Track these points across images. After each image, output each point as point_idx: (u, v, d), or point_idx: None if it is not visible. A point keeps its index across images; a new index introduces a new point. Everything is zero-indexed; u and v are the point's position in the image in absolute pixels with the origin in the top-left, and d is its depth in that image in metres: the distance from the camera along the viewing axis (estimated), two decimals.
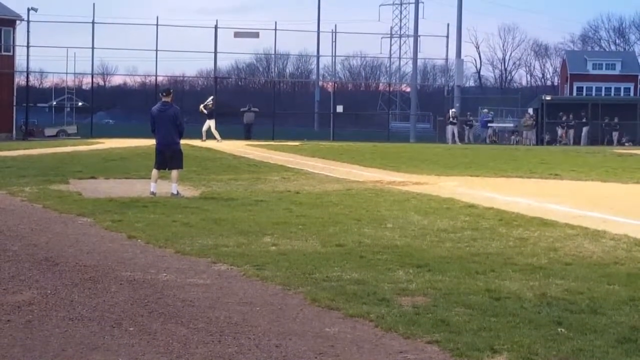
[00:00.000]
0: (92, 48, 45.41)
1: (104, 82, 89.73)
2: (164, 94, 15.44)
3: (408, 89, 67.06)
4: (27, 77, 49.27)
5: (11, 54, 47.46)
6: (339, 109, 50.28)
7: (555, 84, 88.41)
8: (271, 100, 50.48)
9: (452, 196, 14.83)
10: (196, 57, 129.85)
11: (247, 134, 42.06)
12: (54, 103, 69.52)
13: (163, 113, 14.99)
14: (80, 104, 64.26)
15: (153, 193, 14.71)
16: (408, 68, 68.96)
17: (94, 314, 6.59)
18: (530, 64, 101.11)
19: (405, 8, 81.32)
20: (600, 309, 6.70)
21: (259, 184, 17.27)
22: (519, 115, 53.28)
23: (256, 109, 44.32)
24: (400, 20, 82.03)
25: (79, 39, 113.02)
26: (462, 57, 54.43)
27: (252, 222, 11.52)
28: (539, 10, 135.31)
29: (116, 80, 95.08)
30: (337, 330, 6.16)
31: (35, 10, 48.46)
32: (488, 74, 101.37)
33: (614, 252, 9.35)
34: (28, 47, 45.56)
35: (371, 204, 13.71)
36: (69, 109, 64.30)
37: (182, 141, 15.66)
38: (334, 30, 50.14)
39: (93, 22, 45.14)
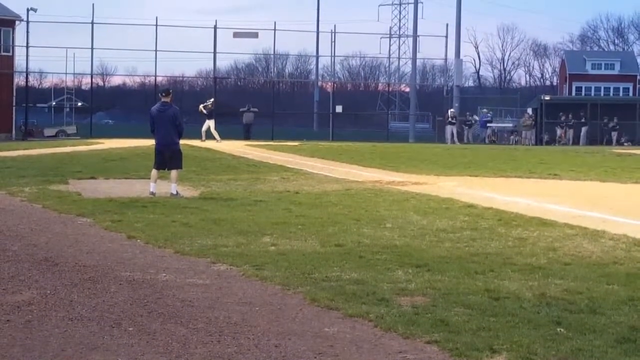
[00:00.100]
0: (92, 48, 45.43)
1: (104, 82, 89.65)
2: (164, 94, 15.44)
3: (407, 89, 67.05)
4: (27, 78, 49.23)
5: (10, 54, 47.46)
6: (338, 109, 50.29)
7: (555, 84, 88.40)
8: (270, 100, 50.48)
9: (451, 196, 14.83)
10: (195, 57, 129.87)
11: (246, 134, 42.05)
12: (54, 103, 69.48)
13: (162, 113, 14.99)
14: (79, 104, 64.23)
15: (152, 193, 14.72)
16: (407, 68, 69.01)
17: (93, 314, 6.59)
18: (530, 64, 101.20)
19: (405, 8, 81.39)
20: (599, 308, 6.71)
21: (258, 184, 17.28)
22: (518, 115, 53.33)
23: (255, 109, 44.31)
24: (400, 20, 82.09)
25: (79, 39, 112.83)
26: (461, 57, 54.49)
27: (251, 222, 11.52)
28: (538, 11, 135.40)
29: (115, 81, 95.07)
30: (336, 330, 6.16)
31: (35, 10, 48.51)
32: (487, 74, 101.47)
33: (613, 252, 9.36)
34: (27, 47, 45.57)
35: (370, 204, 13.72)
36: (68, 109, 64.28)
37: (182, 141, 15.66)
38: (333, 31, 50.19)
39: (92, 23, 45.13)
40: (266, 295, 7.25)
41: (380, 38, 69.04)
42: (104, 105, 75.95)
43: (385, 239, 10.15)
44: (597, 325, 6.21)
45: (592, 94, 66.92)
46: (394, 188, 16.56)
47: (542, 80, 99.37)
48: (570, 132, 45.08)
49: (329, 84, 62.70)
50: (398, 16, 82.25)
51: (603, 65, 72.03)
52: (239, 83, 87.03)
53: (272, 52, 56.06)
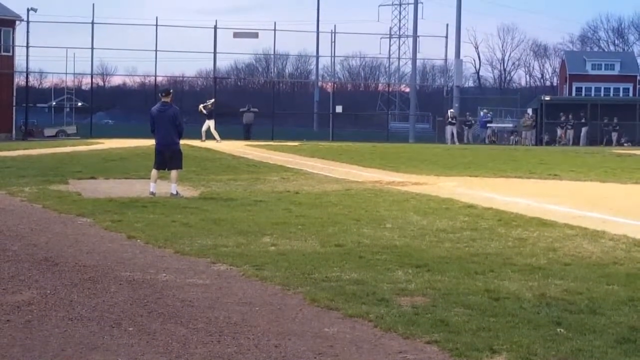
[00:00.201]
0: (92, 48, 45.46)
1: (104, 82, 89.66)
2: (164, 94, 15.44)
3: (407, 89, 67.07)
4: (27, 78, 49.27)
5: (11, 54, 47.47)
6: (338, 109, 50.31)
7: (555, 84, 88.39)
8: (270, 100, 50.50)
9: (451, 196, 14.83)
10: (195, 57, 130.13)
11: (246, 134, 42.06)
12: (54, 103, 69.48)
13: (162, 113, 14.99)
14: (79, 104, 64.23)
15: (152, 193, 14.72)
16: (407, 68, 69.02)
17: (93, 314, 6.59)
18: (530, 64, 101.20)
19: (405, 8, 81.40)
20: (599, 309, 6.71)
21: (258, 184, 17.28)
22: (518, 116, 53.34)
23: (255, 109, 44.32)
24: (400, 20, 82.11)
25: (79, 39, 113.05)
26: (461, 57, 54.54)
27: (251, 222, 11.52)
28: (538, 11, 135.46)
29: (116, 81, 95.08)
30: (336, 330, 6.16)
31: (35, 10, 48.51)
32: (487, 74, 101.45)
33: (613, 253, 9.36)
34: (28, 47, 45.61)
35: (370, 204, 13.72)
36: (68, 109, 64.29)
37: (182, 141, 15.67)
38: (333, 31, 50.25)
39: (92, 23, 45.16)
40: (266, 296, 7.25)
41: (380, 38, 69.15)
42: (104, 105, 75.94)
43: (385, 239, 10.15)
44: (597, 326, 6.21)
45: (592, 95, 66.92)
46: (394, 188, 16.56)
47: (542, 80, 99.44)
48: (570, 133, 45.09)
49: (329, 84, 62.74)
50: (398, 16, 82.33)
51: (603, 65, 72.03)
52: (239, 83, 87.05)
53: (272, 52, 56.16)
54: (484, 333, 5.99)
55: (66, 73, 67.38)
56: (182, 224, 11.29)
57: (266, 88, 73.02)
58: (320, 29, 61.55)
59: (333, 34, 50.09)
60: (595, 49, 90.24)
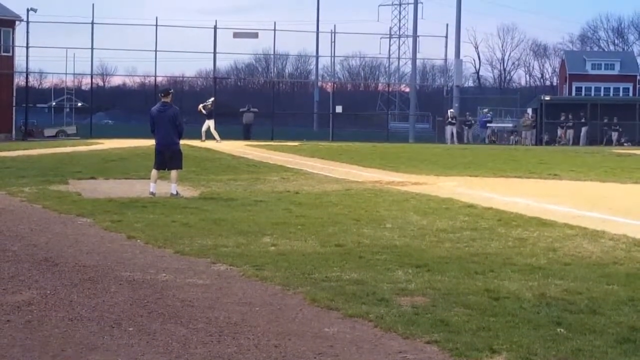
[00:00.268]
0: (92, 48, 45.42)
1: (104, 82, 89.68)
2: (163, 94, 15.44)
3: (407, 89, 67.05)
4: (27, 78, 49.22)
5: (10, 54, 47.45)
6: (338, 109, 50.31)
7: (554, 84, 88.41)
8: (270, 100, 50.49)
9: (451, 196, 14.83)
10: (195, 57, 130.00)
11: (246, 134, 42.04)
12: (54, 103, 69.48)
13: (162, 113, 15.00)
14: (79, 104, 64.24)
15: (152, 193, 14.72)
16: (407, 68, 69.01)
17: (93, 314, 6.59)
18: (529, 64, 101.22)
19: (404, 8, 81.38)
20: (599, 309, 6.71)
21: (258, 184, 17.28)
22: (518, 116, 53.37)
23: (255, 110, 44.31)
24: (400, 20, 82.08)
25: (79, 39, 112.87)
26: (461, 57, 54.55)
27: (251, 222, 11.52)
28: (538, 11, 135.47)
29: (115, 81, 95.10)
30: (336, 330, 6.16)
31: (35, 10, 48.48)
32: (487, 74, 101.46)
33: (613, 252, 9.36)
34: (27, 47, 45.53)
35: (370, 204, 13.72)
36: (68, 110, 64.28)
37: (182, 141, 15.67)
38: (333, 31, 50.21)
39: (92, 23, 45.12)
40: (266, 296, 7.25)
41: (380, 38, 69.15)
42: (104, 106, 75.94)
43: (385, 239, 10.15)
44: (597, 326, 6.21)
45: (592, 94, 66.94)
46: (393, 188, 16.56)
47: (542, 80, 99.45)
48: (570, 133, 45.09)
49: (329, 84, 62.73)
50: (398, 16, 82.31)
51: (603, 65, 72.05)
52: (239, 83, 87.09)
53: (272, 52, 56.08)
54: (484, 333, 5.99)
55: (66, 73, 67.45)
56: (182, 224, 11.29)
57: (266, 88, 73.05)
58: (320, 29, 61.65)
59: (333, 34, 50.11)
60: (595, 49, 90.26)
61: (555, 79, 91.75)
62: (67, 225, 11.49)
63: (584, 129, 45.03)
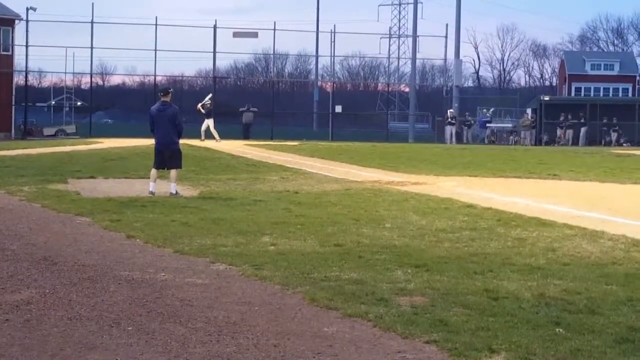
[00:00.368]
0: (91, 48, 45.38)
1: (103, 81, 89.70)
2: (163, 93, 15.44)
3: (407, 89, 67.05)
4: (26, 77, 49.16)
5: (10, 53, 47.42)
6: (338, 109, 50.32)
7: (554, 84, 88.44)
8: (270, 100, 50.48)
9: (450, 196, 14.83)
10: (195, 57, 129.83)
11: (245, 134, 42.03)
12: (53, 103, 69.45)
13: (162, 113, 15.00)
14: (79, 103, 64.20)
15: (152, 193, 14.72)
16: (407, 68, 68.98)
17: (92, 313, 6.59)
18: (529, 64, 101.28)
19: (404, 8, 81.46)
20: (598, 309, 6.71)
21: (258, 183, 17.28)
22: (517, 116, 53.38)
23: (255, 109, 44.29)
24: (399, 20, 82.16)
25: (78, 38, 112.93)
26: (461, 57, 54.54)
27: (250, 221, 11.52)
28: (537, 11, 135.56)
29: (115, 80, 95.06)
30: (335, 330, 6.16)
31: (34, 9, 48.50)
32: (487, 74, 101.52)
33: (612, 253, 9.36)
34: (27, 46, 45.52)
35: (370, 204, 13.72)
36: (67, 109, 64.28)
37: (181, 141, 15.66)
38: (332, 31, 50.20)
39: (92, 22, 45.09)
40: (265, 295, 7.25)
41: (380, 38, 69.27)
42: (104, 105, 75.96)
43: (384, 239, 10.15)
44: (596, 326, 6.21)
45: (592, 95, 66.97)
46: (393, 188, 16.56)
47: (541, 80, 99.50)
48: (570, 133, 45.09)
49: (329, 83, 62.73)
50: (398, 16, 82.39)
51: (602, 65, 72.06)
52: (238, 83, 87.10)
53: (272, 52, 56.06)
54: (483, 333, 5.99)
55: (65, 72, 67.44)
56: (182, 224, 11.29)
57: (266, 88, 73.06)
58: (319, 29, 61.69)
59: (333, 34, 50.09)
60: (595, 49, 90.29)
61: (554, 79, 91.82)
62: (66, 224, 11.49)
63: (583, 129, 45.03)
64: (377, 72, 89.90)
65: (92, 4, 44.66)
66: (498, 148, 38.70)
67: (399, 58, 69.92)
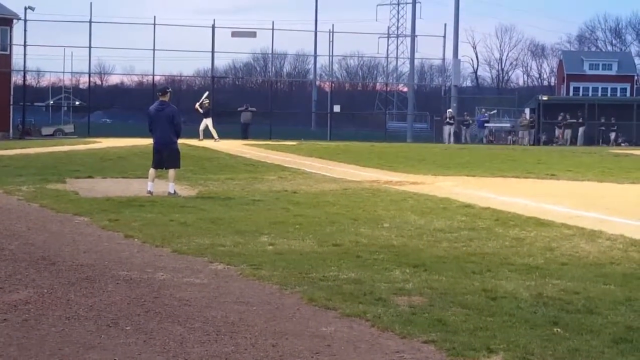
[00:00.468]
0: (90, 47, 45.38)
1: (101, 81, 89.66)
2: (161, 93, 15.43)
3: (405, 89, 67.07)
4: (24, 76, 49.17)
5: (8, 52, 47.36)
6: (336, 108, 50.33)
7: (552, 84, 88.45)
8: (268, 99, 50.54)
9: (448, 196, 14.84)
10: (193, 56, 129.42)
11: (244, 134, 42.01)
12: (51, 102, 69.45)
13: (160, 112, 14.99)
14: (77, 103, 64.22)
15: (150, 192, 14.71)
16: (405, 68, 68.96)
17: (90, 313, 6.59)
18: (527, 64, 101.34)
19: (403, 8, 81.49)
20: (596, 309, 6.71)
21: (256, 183, 17.28)
22: (515, 116, 53.40)
23: (253, 109, 44.27)
24: (398, 20, 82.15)
25: (76, 38, 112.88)
26: (459, 57, 54.63)
27: (249, 221, 11.52)
28: (536, 11, 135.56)
29: (113, 80, 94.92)
30: (333, 329, 6.16)
31: (33, 9, 48.40)
32: (485, 74, 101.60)
33: (610, 252, 9.37)
34: (25, 46, 45.52)
35: (368, 204, 13.72)
36: (66, 108, 64.30)
37: (180, 140, 15.65)
38: (331, 30, 50.20)
39: (90, 22, 45.09)
40: (263, 295, 7.25)
41: (379, 38, 69.13)
42: (102, 105, 75.88)
43: (382, 239, 10.15)
44: (594, 326, 6.21)
45: (590, 95, 66.99)
46: (391, 188, 16.56)
47: (539, 80, 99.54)
48: (568, 133, 45.13)
49: (327, 83, 62.72)
50: (396, 16, 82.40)
51: (600, 65, 72.08)
52: (237, 82, 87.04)
53: (270, 52, 56.09)
54: (481, 333, 6.00)
55: (64, 72, 67.55)
56: (180, 223, 11.29)
57: (264, 87, 73.05)
58: (318, 29, 61.66)
59: (331, 34, 50.07)
60: (593, 49, 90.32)
61: (553, 79, 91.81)
62: (65, 224, 11.48)
63: (581, 129, 45.06)
64: (375, 72, 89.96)
65: (91, 3, 44.74)
66: (496, 148, 38.70)
67: (397, 58, 69.96)
